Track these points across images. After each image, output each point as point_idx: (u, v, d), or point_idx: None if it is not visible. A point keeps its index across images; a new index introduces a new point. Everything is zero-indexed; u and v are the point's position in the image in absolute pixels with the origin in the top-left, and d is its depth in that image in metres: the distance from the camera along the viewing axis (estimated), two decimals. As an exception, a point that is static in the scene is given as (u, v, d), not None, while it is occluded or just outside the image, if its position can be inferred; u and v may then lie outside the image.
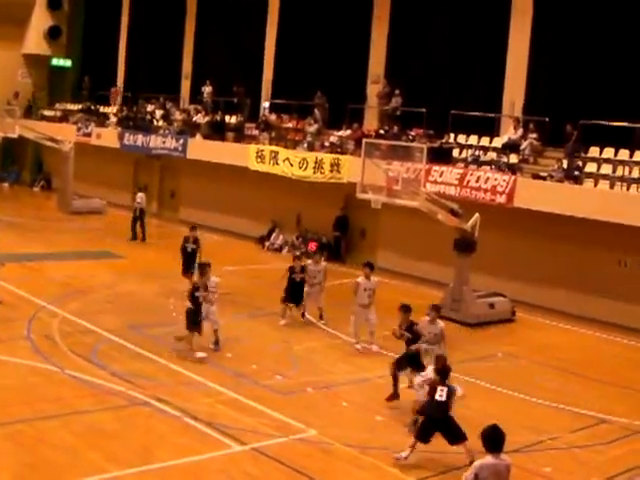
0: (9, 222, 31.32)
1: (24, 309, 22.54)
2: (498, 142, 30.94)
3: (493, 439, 10.26)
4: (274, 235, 36.39)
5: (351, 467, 14.04)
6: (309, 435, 15.25)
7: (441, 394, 14.25)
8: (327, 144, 35.11)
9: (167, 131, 42.30)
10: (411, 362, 17.36)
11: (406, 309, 17.87)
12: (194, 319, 19.44)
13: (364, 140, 26.87)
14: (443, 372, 14.62)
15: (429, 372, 15.56)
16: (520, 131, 30.40)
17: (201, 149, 39.35)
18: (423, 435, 14.19)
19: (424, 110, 31.98)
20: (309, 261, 24.27)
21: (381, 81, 35.80)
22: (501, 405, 17.74)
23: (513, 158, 29.66)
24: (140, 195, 37.20)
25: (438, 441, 14.25)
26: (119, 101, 50.28)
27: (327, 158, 33.28)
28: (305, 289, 23.52)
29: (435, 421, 14.17)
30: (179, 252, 25.79)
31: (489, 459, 10.17)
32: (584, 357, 22.64)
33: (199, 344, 19.61)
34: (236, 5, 43.50)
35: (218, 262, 23.83)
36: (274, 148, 35.73)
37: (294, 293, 23.43)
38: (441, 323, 18.00)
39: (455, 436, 14.16)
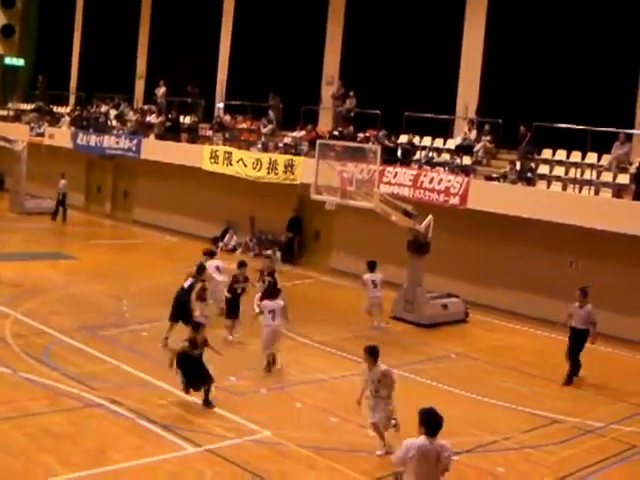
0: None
1: (-26, 311, 22.31)
2: (452, 144, 31.14)
3: (429, 422, 10.19)
4: (228, 236, 36.29)
5: (305, 468, 14.04)
6: (263, 436, 15.22)
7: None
8: (281, 145, 35.15)
9: (121, 131, 42.09)
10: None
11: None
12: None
13: (318, 141, 26.93)
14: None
15: None
16: (474, 133, 30.62)
17: (155, 149, 39.18)
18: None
19: (378, 111, 32.10)
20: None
21: (335, 82, 35.89)
22: (454, 405, 17.75)
23: (466, 160, 29.85)
24: (62, 182, 40.86)
25: (394, 442, 14.31)
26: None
27: (281, 159, 33.28)
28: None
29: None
30: (135, 254, 25.55)
31: (422, 439, 10.08)
32: (536, 358, 22.79)
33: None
34: (191, 5, 43.42)
35: (172, 263, 23.73)
36: (228, 149, 35.66)
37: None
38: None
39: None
